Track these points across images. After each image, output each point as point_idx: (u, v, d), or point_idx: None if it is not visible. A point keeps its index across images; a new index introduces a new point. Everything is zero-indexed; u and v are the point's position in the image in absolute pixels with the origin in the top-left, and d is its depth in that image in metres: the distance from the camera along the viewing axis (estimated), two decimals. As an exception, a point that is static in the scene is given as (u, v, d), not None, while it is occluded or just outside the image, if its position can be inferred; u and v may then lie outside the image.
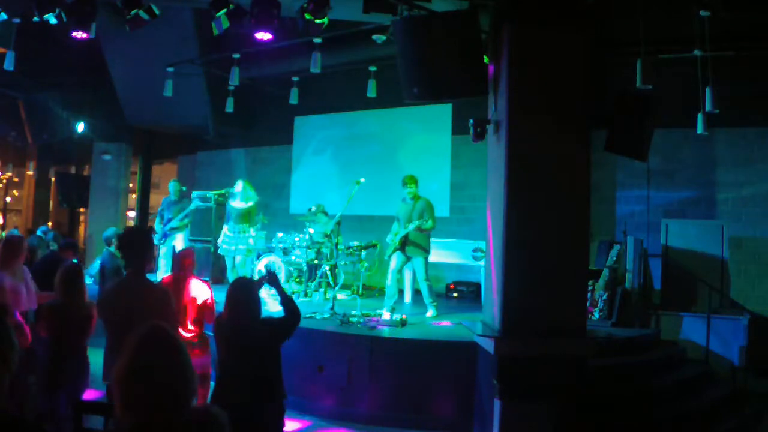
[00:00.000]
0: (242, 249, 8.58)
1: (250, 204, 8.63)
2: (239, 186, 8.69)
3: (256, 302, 3.93)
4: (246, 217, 8.61)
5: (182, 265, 5.44)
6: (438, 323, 7.35)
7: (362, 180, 8.05)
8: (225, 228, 8.83)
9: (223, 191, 9.19)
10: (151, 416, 1.83)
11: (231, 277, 8.71)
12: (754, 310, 7.95)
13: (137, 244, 3.81)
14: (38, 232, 9.30)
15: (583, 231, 5.47)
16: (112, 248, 7.55)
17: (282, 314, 4.04)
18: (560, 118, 5.34)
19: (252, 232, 8.68)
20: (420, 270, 7.69)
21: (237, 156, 13.32)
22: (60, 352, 4.41)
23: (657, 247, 8.62)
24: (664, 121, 7.05)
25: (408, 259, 7.69)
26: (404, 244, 7.59)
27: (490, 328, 5.64)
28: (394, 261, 7.72)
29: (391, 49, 6.13)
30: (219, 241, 8.91)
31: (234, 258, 8.66)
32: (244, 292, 3.94)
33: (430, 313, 7.67)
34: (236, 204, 8.68)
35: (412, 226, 7.47)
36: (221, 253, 8.90)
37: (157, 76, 10.19)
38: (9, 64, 7.92)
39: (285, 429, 4.05)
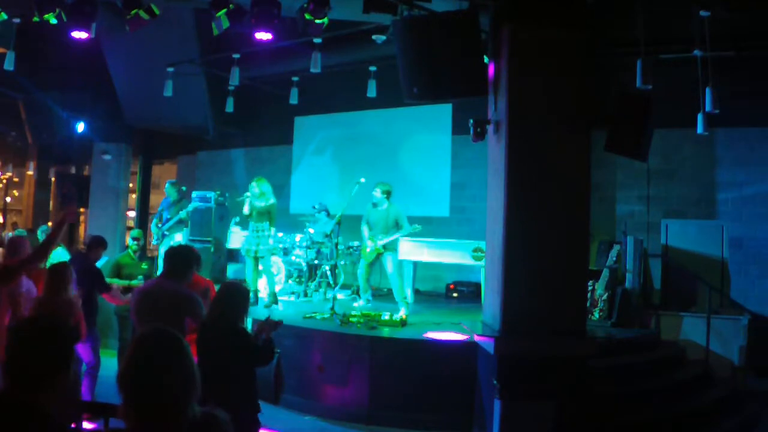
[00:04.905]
0: (263, 249, 8.21)
1: (271, 202, 8.23)
2: (254, 186, 8.38)
3: (238, 306, 3.97)
4: (265, 215, 8.23)
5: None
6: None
7: (363, 180, 8.06)
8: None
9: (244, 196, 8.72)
10: (152, 417, 1.83)
11: (250, 279, 8.39)
12: (754, 310, 7.95)
13: (180, 257, 4.39)
14: (38, 232, 9.31)
15: (583, 231, 5.47)
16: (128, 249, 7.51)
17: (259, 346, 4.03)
18: (560, 118, 5.34)
19: (272, 231, 8.28)
20: (394, 264, 8.14)
21: (237, 156, 13.31)
22: None
23: (657, 247, 8.62)
24: (664, 121, 7.05)
25: (379, 256, 8.24)
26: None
27: (490, 328, 5.64)
28: (371, 265, 8.36)
29: (391, 49, 6.12)
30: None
31: (255, 259, 8.27)
32: (230, 294, 4.01)
33: (403, 311, 7.62)
34: (256, 203, 8.26)
35: (405, 232, 8.01)
36: (243, 254, 8.64)
37: (157, 76, 10.19)
38: (9, 64, 7.92)
39: (285, 429, 4.04)
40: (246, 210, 8.23)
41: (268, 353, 4.00)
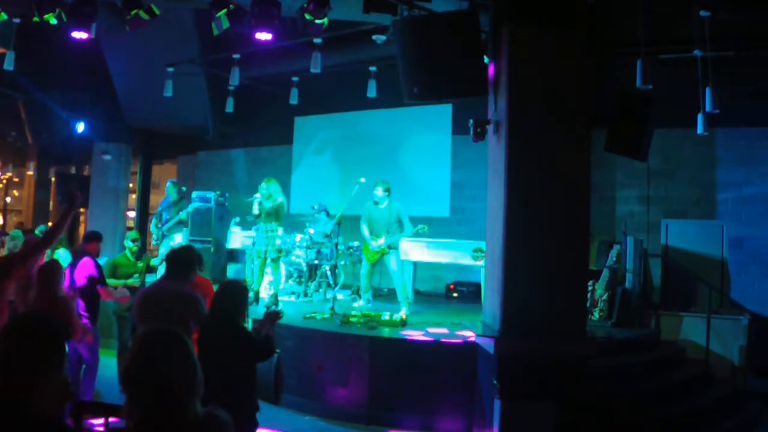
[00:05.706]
0: (273, 249, 8.12)
1: (279, 201, 8.16)
2: (264, 187, 8.18)
3: (237, 303, 3.98)
4: (273, 215, 8.16)
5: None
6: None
7: (363, 180, 8.06)
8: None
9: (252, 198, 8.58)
10: (154, 415, 1.83)
11: (252, 280, 8.38)
12: (754, 310, 7.95)
13: (181, 258, 4.45)
14: (37, 232, 9.29)
15: (583, 231, 5.47)
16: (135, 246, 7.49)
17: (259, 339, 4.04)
18: (560, 118, 5.34)
19: (280, 231, 8.21)
20: (398, 262, 8.19)
21: (237, 156, 13.31)
22: None
23: (657, 247, 8.61)
24: (664, 121, 7.06)
25: (383, 256, 8.30)
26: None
27: (490, 328, 5.63)
28: (373, 264, 8.41)
29: (391, 49, 6.13)
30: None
31: (265, 260, 8.17)
32: (228, 291, 4.02)
33: (403, 311, 7.60)
34: (265, 204, 8.17)
35: (410, 233, 8.08)
36: (253, 255, 8.59)
37: (157, 76, 10.20)
38: (9, 64, 7.93)
39: (285, 429, 4.03)
40: (255, 210, 8.18)
41: (268, 347, 4.00)
